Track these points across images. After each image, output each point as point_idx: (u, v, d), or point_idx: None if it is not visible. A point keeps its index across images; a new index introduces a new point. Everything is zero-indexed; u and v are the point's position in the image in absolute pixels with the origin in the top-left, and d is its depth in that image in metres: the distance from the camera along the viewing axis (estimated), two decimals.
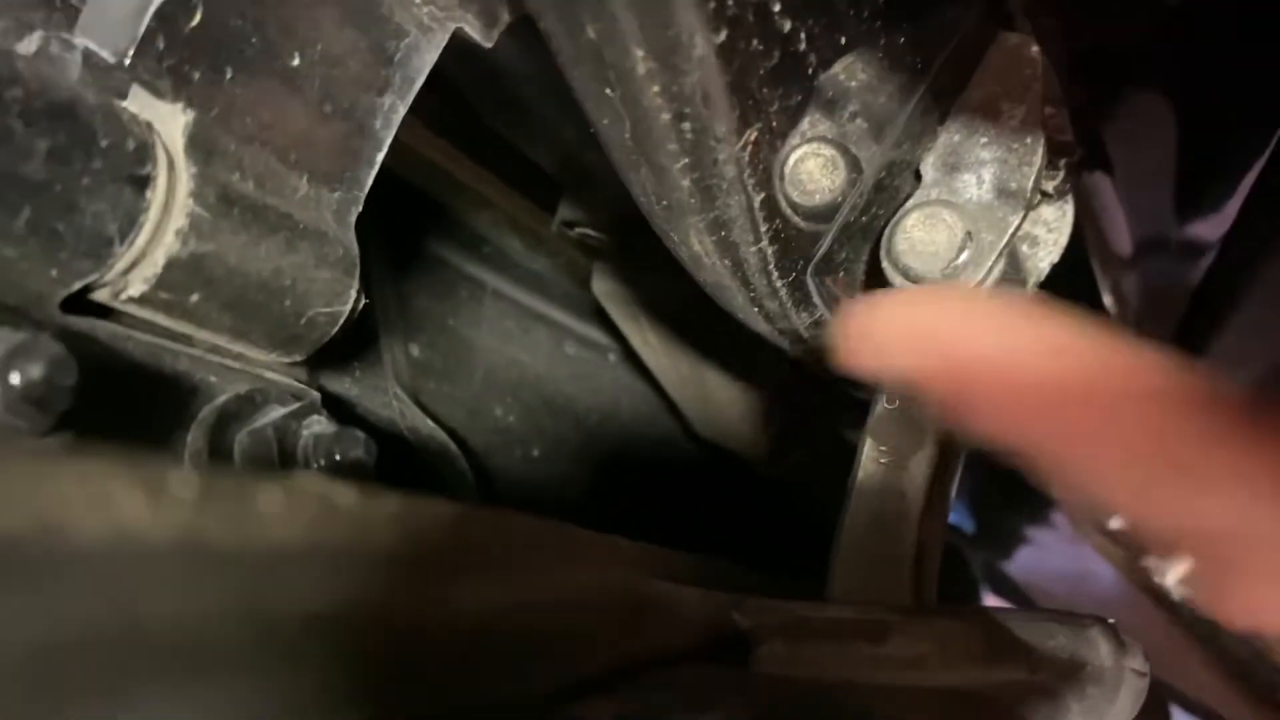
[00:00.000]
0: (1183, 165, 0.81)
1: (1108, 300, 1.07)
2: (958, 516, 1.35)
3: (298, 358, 0.35)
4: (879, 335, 0.29)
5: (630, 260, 0.59)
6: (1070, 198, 0.45)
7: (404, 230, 0.56)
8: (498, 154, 0.60)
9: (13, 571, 0.10)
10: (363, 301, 0.36)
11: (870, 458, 0.43)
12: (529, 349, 0.66)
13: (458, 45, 0.43)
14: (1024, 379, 0.26)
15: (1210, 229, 0.94)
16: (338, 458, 0.32)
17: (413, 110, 0.53)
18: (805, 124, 0.40)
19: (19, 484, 0.11)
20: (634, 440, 0.74)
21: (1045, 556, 1.30)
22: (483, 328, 0.62)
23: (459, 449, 0.55)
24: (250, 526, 0.13)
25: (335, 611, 0.14)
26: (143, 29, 0.28)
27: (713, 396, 0.68)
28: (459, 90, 0.55)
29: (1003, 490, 1.24)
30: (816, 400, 0.68)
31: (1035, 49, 0.41)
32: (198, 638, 0.11)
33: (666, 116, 0.31)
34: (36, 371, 0.23)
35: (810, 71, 0.36)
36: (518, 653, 0.19)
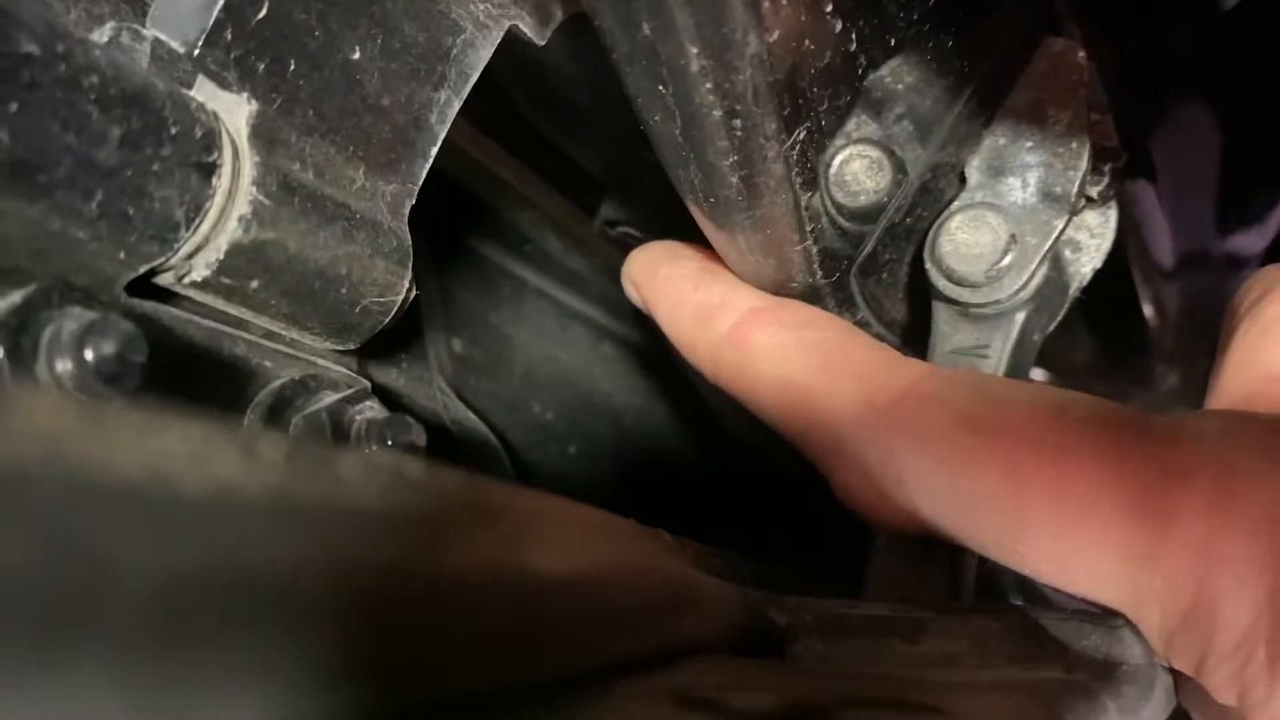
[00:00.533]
0: (1226, 177, 0.81)
1: (1148, 310, 1.06)
2: None
3: (350, 346, 0.36)
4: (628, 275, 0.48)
5: None
6: (1114, 203, 0.45)
7: (447, 227, 0.57)
8: (541, 154, 0.61)
9: (134, 515, 0.10)
10: (413, 293, 0.36)
11: None
12: (567, 347, 0.67)
13: (506, 43, 0.44)
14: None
15: (1253, 241, 0.93)
16: (390, 442, 0.33)
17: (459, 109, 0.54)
18: (851, 125, 0.40)
19: (130, 435, 0.12)
20: (669, 439, 0.74)
21: None
22: (523, 325, 0.63)
23: (499, 443, 0.56)
24: (333, 487, 0.14)
25: (413, 571, 0.15)
26: (212, 20, 0.29)
27: None
28: (504, 89, 0.56)
29: None
30: None
31: (1081, 54, 0.41)
32: (290, 586, 0.12)
33: (718, 114, 0.32)
34: (109, 348, 0.24)
35: (860, 73, 0.36)
36: (572, 628, 0.20)
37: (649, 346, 0.72)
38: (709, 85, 0.31)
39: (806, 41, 0.32)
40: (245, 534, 0.12)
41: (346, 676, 0.13)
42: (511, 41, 0.39)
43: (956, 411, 0.33)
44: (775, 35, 0.30)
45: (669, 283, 0.45)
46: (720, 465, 0.74)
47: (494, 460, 0.51)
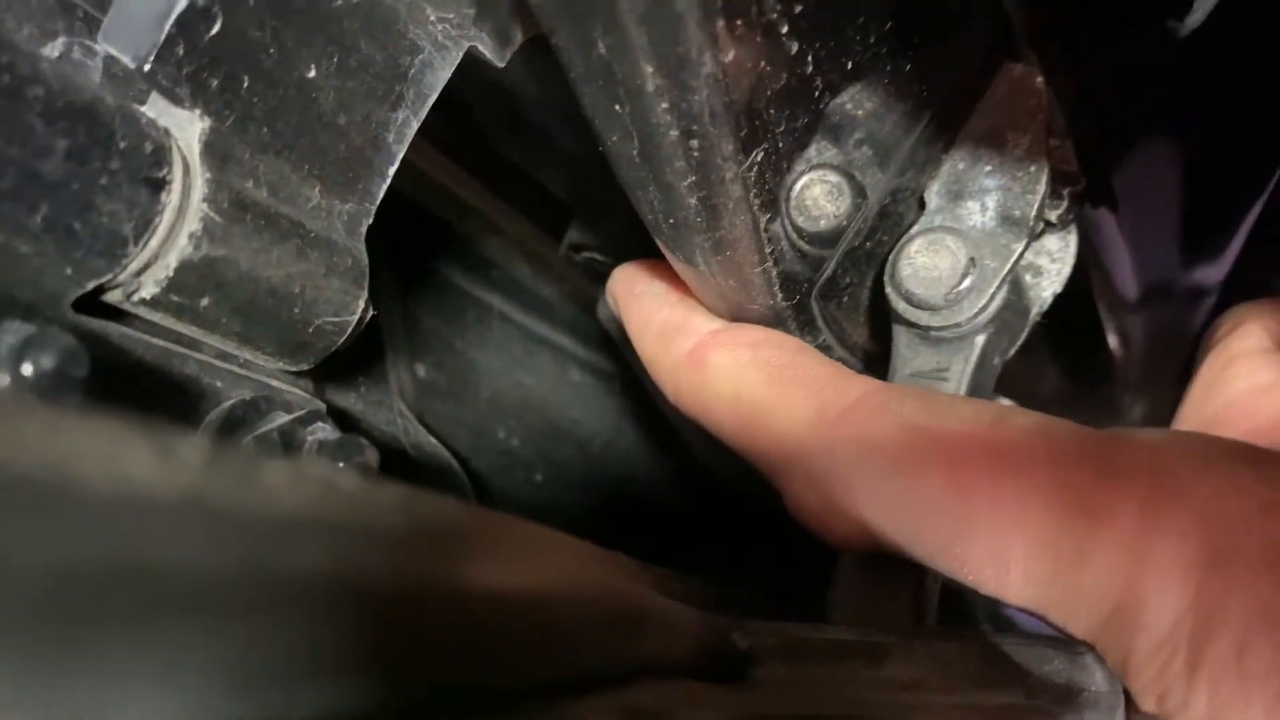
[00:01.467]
0: (1187, 208, 0.82)
1: (1113, 340, 1.07)
2: None
3: (304, 366, 0.36)
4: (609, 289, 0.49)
5: None
6: (1074, 228, 0.46)
7: (413, 251, 0.57)
8: (507, 179, 0.61)
9: (23, 505, 0.10)
10: (370, 313, 0.36)
11: None
12: (534, 373, 0.67)
13: (470, 68, 0.44)
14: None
15: (1213, 273, 0.94)
16: (341, 464, 0.32)
17: (424, 132, 0.54)
18: (812, 150, 0.41)
19: (32, 429, 0.11)
20: (638, 466, 0.74)
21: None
22: (489, 350, 0.62)
23: (463, 470, 0.55)
24: (254, 494, 0.14)
25: (337, 578, 0.14)
26: (163, 36, 0.29)
27: None
28: (471, 113, 0.56)
29: None
30: None
31: (1039, 79, 0.41)
32: (200, 587, 0.12)
33: (674, 134, 0.32)
34: (48, 362, 0.23)
35: (817, 95, 0.37)
36: (519, 642, 0.19)
37: (617, 372, 0.72)
38: (665, 105, 0.31)
39: (763, 63, 0.32)
40: (152, 532, 0.11)
41: (262, 681, 0.12)
42: (474, 64, 0.39)
43: (902, 420, 0.33)
44: (731, 55, 0.30)
45: (641, 300, 0.46)
46: (689, 491, 0.74)
47: (456, 486, 0.51)
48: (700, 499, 0.74)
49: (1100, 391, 1.08)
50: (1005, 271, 0.41)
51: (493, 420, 0.62)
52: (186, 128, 0.30)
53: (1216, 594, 0.27)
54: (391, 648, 0.15)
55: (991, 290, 0.41)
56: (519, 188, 0.61)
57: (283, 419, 0.33)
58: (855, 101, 0.40)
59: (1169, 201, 0.81)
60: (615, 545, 0.38)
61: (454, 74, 0.38)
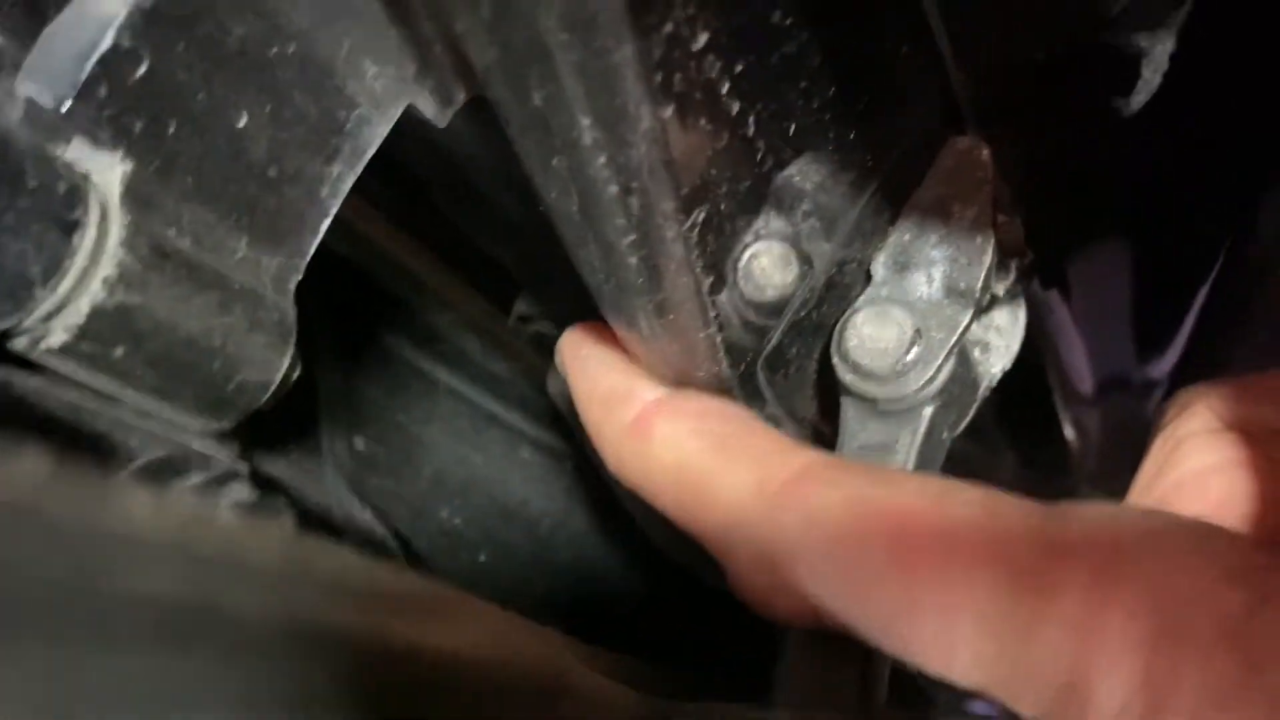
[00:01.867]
0: (1139, 301, 0.83)
1: (1069, 432, 1.08)
2: None
3: (225, 425, 0.34)
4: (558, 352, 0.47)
5: None
6: (1022, 303, 0.45)
7: (357, 320, 0.56)
8: (459, 251, 0.60)
9: None
10: (296, 372, 0.35)
11: None
12: (482, 450, 0.65)
13: (419, 134, 0.43)
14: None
15: (1163, 365, 0.95)
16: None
17: (372, 199, 0.53)
18: (760, 221, 0.40)
19: None
20: (589, 549, 0.72)
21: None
22: (434, 425, 0.61)
23: (401, 549, 0.53)
24: (100, 514, 0.12)
25: (193, 605, 0.13)
26: (84, 76, 0.28)
27: None
28: (420, 182, 0.55)
29: None
30: None
31: (986, 152, 0.41)
32: (30, 599, 0.10)
33: (614, 189, 0.31)
34: None
35: (760, 158, 0.36)
36: (417, 702, 0.18)
37: (569, 451, 0.70)
38: (603, 159, 0.30)
39: (703, 121, 0.32)
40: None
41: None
42: (423, 130, 0.39)
43: (847, 492, 0.33)
44: (670, 111, 0.30)
45: (586, 365, 0.45)
46: (641, 575, 0.72)
47: (389, 560, 0.49)
48: (652, 582, 0.72)
49: (1057, 482, 1.08)
50: (952, 343, 0.40)
51: (435, 498, 0.60)
52: (107, 171, 0.29)
53: (1167, 673, 0.26)
54: (249, 686, 0.13)
55: (938, 362, 0.40)
56: (470, 259, 0.61)
57: (197, 479, 0.31)
58: (802, 173, 0.40)
59: (1121, 294, 0.82)
60: (563, 629, 0.37)
61: (403, 141, 0.38)
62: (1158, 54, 0.45)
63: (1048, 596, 0.28)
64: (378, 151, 0.37)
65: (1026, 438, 0.93)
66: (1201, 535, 0.29)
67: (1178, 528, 0.30)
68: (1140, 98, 0.45)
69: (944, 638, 0.30)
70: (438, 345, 0.61)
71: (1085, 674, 0.27)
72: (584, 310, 0.41)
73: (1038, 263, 0.46)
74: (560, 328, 0.58)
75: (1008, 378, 0.47)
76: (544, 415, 0.67)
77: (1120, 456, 1.09)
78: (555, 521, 0.70)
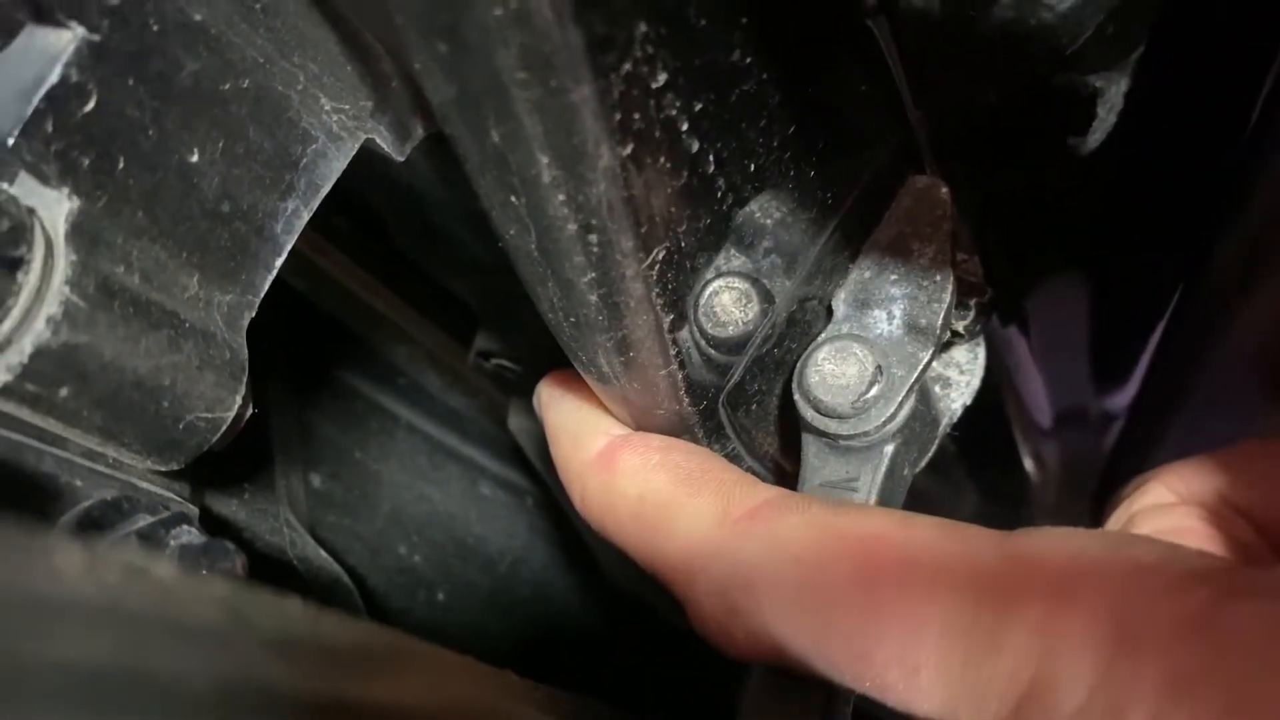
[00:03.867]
0: (1096, 336, 0.83)
1: (1029, 464, 1.08)
2: None
3: (175, 465, 0.33)
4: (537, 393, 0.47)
5: None
6: (982, 340, 0.46)
7: (313, 356, 0.55)
8: (418, 287, 0.60)
9: None
10: (249, 411, 0.34)
11: None
12: (440, 486, 0.64)
13: (379, 171, 0.43)
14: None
15: (1121, 399, 0.96)
16: (204, 571, 0.30)
17: (330, 236, 0.52)
18: (720, 258, 0.40)
19: None
20: (549, 587, 0.71)
21: None
22: (392, 462, 0.60)
23: (356, 586, 0.52)
24: (27, 573, 0.12)
25: (123, 669, 0.12)
26: (30, 111, 0.27)
27: None
28: (380, 219, 0.55)
29: None
30: None
31: (944, 190, 0.42)
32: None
33: (572, 227, 0.31)
34: None
35: (720, 196, 0.36)
36: None
37: (530, 488, 0.70)
38: (562, 197, 0.30)
39: (663, 159, 0.32)
40: None
41: None
42: (382, 165, 0.38)
43: (809, 517, 0.33)
44: (629, 149, 0.30)
45: (561, 403, 0.45)
46: (601, 613, 0.71)
47: (346, 602, 0.48)
48: (612, 621, 0.71)
49: (1018, 514, 1.08)
50: (912, 380, 0.40)
51: (393, 535, 0.59)
52: (53, 207, 0.28)
53: (1129, 670, 0.27)
54: None
55: (899, 399, 0.40)
56: (429, 295, 0.60)
57: (144, 521, 0.31)
58: (764, 210, 0.40)
59: (1079, 328, 0.83)
60: (521, 669, 0.36)
61: (362, 177, 0.37)
62: (1113, 94, 0.46)
63: (1012, 604, 0.28)
64: (336, 186, 0.37)
65: (986, 471, 0.93)
66: (1164, 546, 0.30)
67: (1139, 540, 0.31)
68: (1096, 136, 0.46)
69: (909, 653, 0.30)
70: (396, 381, 0.60)
71: (1049, 675, 0.27)
72: (544, 346, 0.41)
73: (997, 299, 0.46)
74: (520, 364, 0.58)
75: (968, 412, 0.47)
76: (504, 451, 0.67)
77: (1078, 489, 1.10)
78: (515, 559, 0.69)
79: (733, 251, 0.41)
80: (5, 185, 0.28)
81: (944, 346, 0.43)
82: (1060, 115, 0.45)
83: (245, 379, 0.33)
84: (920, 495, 0.65)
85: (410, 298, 0.60)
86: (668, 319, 0.37)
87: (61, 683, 0.12)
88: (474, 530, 0.66)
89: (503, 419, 0.63)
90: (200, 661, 0.14)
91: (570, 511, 0.65)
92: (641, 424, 0.42)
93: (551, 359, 0.46)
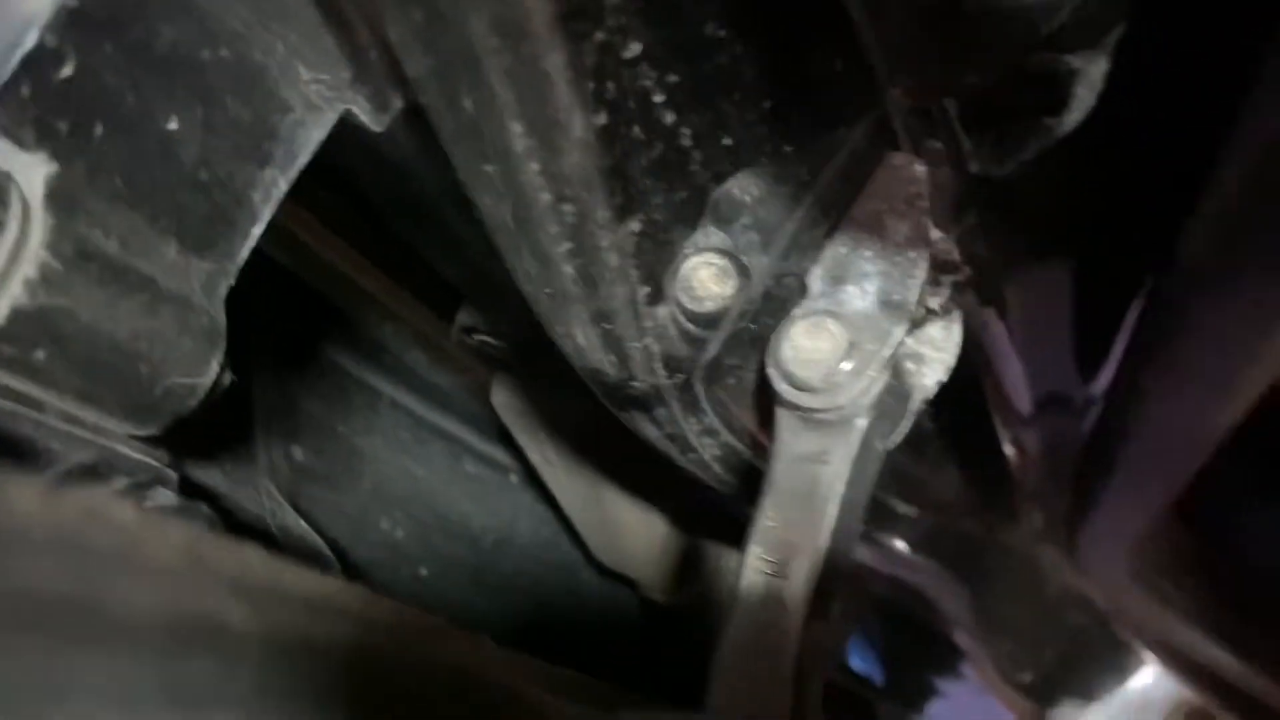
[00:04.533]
0: (1078, 321, 0.84)
1: (1009, 450, 1.09)
2: (868, 668, 1.32)
3: (153, 430, 0.33)
4: None
5: (530, 371, 0.59)
6: (957, 318, 0.46)
7: (298, 331, 0.55)
8: (404, 263, 0.60)
9: None
10: (227, 378, 0.34)
11: (753, 567, 0.42)
12: (424, 462, 0.65)
13: (365, 147, 0.43)
14: None
15: (1098, 384, 0.96)
16: None
17: (318, 215, 0.53)
18: (699, 235, 0.41)
19: None
20: (531, 564, 0.71)
21: (955, 709, 1.27)
22: (376, 437, 0.60)
23: (339, 560, 0.53)
24: None
25: (78, 600, 0.13)
26: (6, 76, 0.28)
27: (612, 522, 0.66)
28: (367, 197, 0.55)
29: (914, 641, 1.23)
30: (716, 528, 0.67)
31: (920, 168, 0.42)
32: None
33: (547, 197, 0.31)
34: None
35: (695, 170, 0.37)
36: (302, 697, 0.18)
37: (514, 466, 0.70)
38: (536, 166, 0.30)
39: (636, 130, 0.32)
40: None
41: None
42: (367, 141, 0.39)
43: None
44: (603, 119, 0.30)
45: None
46: (584, 589, 0.72)
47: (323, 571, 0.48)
48: (594, 596, 0.72)
49: (999, 498, 1.09)
50: (885, 355, 0.41)
51: (376, 510, 0.60)
52: (29, 171, 0.29)
53: None
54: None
55: (872, 374, 0.40)
56: (413, 271, 0.60)
57: (120, 484, 0.31)
58: (742, 188, 0.41)
59: (1060, 311, 0.83)
60: (504, 644, 0.37)
61: (346, 153, 0.38)
62: (1092, 74, 0.46)
63: None
64: (320, 162, 0.37)
65: (968, 456, 0.94)
66: None
67: None
68: (1075, 116, 0.46)
69: None
70: (381, 357, 0.60)
71: None
72: (525, 322, 0.41)
73: (974, 279, 0.46)
74: (502, 338, 0.58)
75: (946, 394, 0.47)
76: (489, 429, 0.67)
77: (1058, 475, 1.11)
78: (499, 536, 0.70)
79: (711, 228, 0.41)
80: None
81: (918, 323, 0.43)
82: (1037, 96, 0.45)
83: (223, 346, 0.34)
84: (899, 474, 0.66)
85: (397, 275, 0.60)
86: (644, 292, 0.37)
87: (16, 607, 0.12)
88: (457, 506, 0.67)
89: (485, 396, 0.64)
90: (155, 597, 0.14)
91: (554, 485, 0.66)
92: (616, 400, 0.43)
93: (533, 334, 0.46)
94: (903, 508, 0.79)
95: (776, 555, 0.42)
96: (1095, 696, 0.92)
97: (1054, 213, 0.60)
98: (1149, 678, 0.87)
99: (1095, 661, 0.96)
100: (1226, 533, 0.62)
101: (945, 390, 0.48)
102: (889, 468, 0.47)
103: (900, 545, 0.84)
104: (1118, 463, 0.67)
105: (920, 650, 1.28)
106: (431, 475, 0.65)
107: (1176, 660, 0.76)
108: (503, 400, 0.61)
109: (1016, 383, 0.89)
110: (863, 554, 0.80)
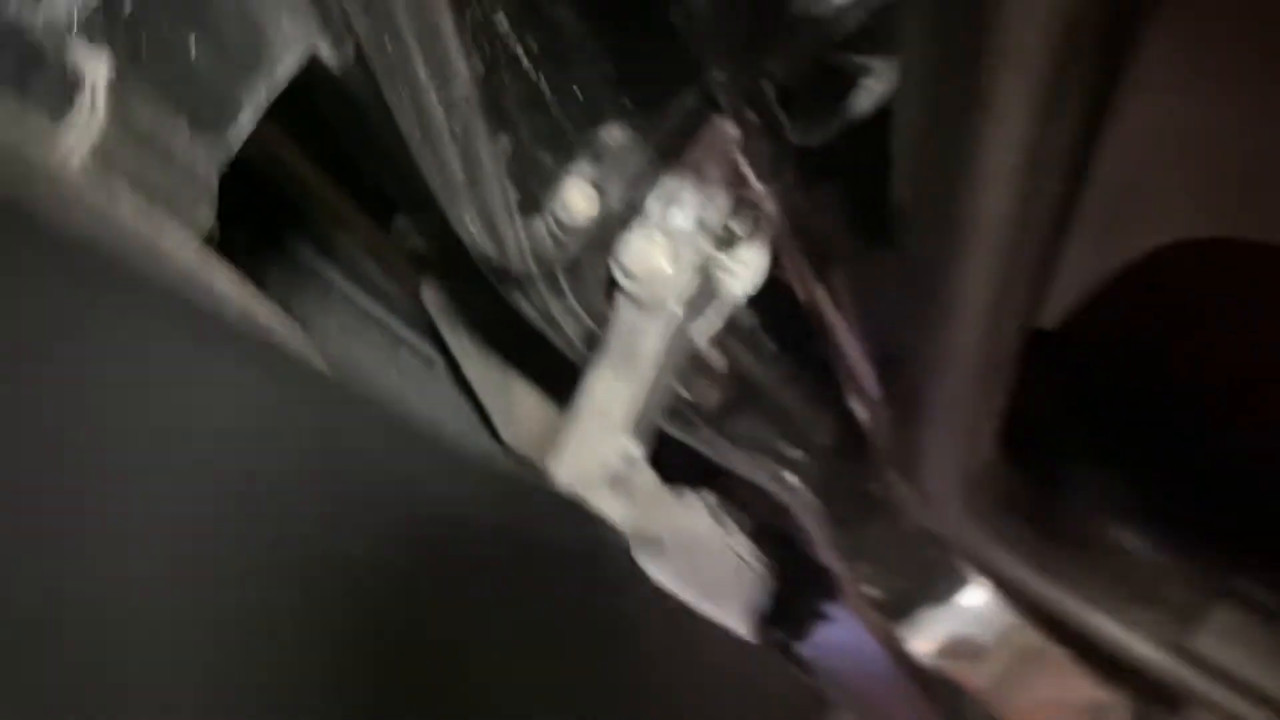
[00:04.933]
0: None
1: (858, 409, 1.23)
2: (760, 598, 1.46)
3: None
4: None
5: (451, 271, 0.74)
6: (765, 245, 0.61)
7: (268, 226, 0.70)
8: (355, 180, 0.75)
9: None
10: (216, 231, 0.49)
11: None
12: (367, 349, 0.79)
13: (325, 79, 0.58)
14: None
15: None
16: None
17: (290, 134, 0.67)
18: (574, 166, 0.56)
19: None
20: (452, 448, 0.86)
21: (836, 631, 1.41)
22: (329, 320, 0.75)
23: None
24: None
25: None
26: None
27: (517, 406, 0.81)
28: (328, 122, 0.70)
29: (800, 567, 1.37)
30: None
31: (735, 131, 0.57)
32: None
33: (441, 114, 0.46)
34: None
35: (557, 112, 0.52)
36: None
37: (438, 358, 0.85)
38: (434, 94, 0.45)
39: (506, 76, 0.47)
40: None
41: None
42: (327, 74, 0.54)
43: None
44: (479, 65, 0.45)
45: None
46: (494, 473, 0.86)
47: None
48: (504, 479, 0.87)
49: (864, 448, 1.23)
50: (697, 262, 0.56)
51: None
52: (99, 66, 0.43)
53: None
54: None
55: (686, 275, 0.56)
56: (365, 188, 0.75)
57: None
58: (610, 135, 0.56)
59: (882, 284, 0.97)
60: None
61: (314, 87, 0.53)
62: (884, 70, 0.61)
63: None
64: (293, 91, 0.52)
65: (835, 412, 1.08)
66: None
67: None
68: (864, 104, 0.61)
69: None
70: (334, 254, 0.75)
71: None
72: (442, 224, 0.56)
73: (805, 241, 0.61)
74: (429, 243, 0.73)
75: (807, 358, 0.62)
76: (420, 324, 0.82)
77: (911, 438, 1.24)
78: (424, 421, 0.85)
79: (585, 163, 0.56)
80: (66, 46, 0.43)
81: (728, 243, 0.58)
82: (833, 85, 0.60)
83: (214, 205, 0.48)
84: (787, 423, 0.80)
85: (350, 189, 0.75)
86: (515, 197, 0.52)
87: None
88: (391, 390, 0.82)
89: (417, 294, 0.78)
90: None
91: (470, 374, 0.81)
92: (501, 281, 0.58)
93: (449, 236, 0.61)
94: (791, 451, 0.92)
95: None
96: (935, 614, 1.06)
97: (865, 185, 0.76)
98: (982, 598, 0.99)
99: (937, 585, 1.10)
100: (1051, 473, 0.77)
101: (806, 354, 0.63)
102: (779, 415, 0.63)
103: (793, 479, 0.94)
104: (926, 402, 0.82)
105: (808, 575, 1.42)
106: (372, 361, 0.80)
107: (1005, 586, 0.91)
108: (430, 297, 0.76)
109: (857, 357, 1.03)
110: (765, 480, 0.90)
